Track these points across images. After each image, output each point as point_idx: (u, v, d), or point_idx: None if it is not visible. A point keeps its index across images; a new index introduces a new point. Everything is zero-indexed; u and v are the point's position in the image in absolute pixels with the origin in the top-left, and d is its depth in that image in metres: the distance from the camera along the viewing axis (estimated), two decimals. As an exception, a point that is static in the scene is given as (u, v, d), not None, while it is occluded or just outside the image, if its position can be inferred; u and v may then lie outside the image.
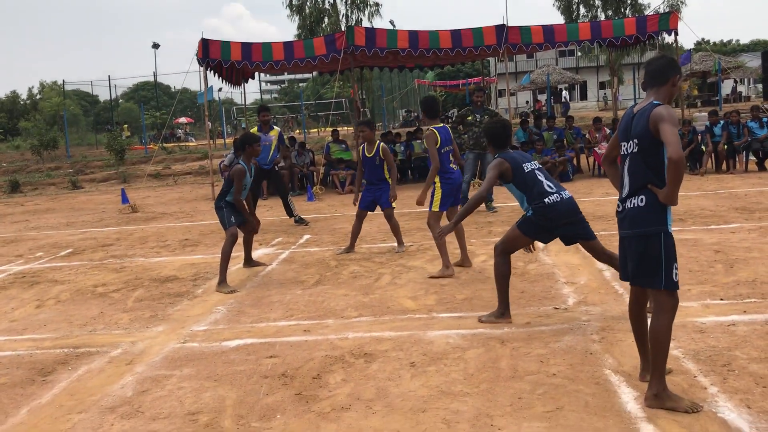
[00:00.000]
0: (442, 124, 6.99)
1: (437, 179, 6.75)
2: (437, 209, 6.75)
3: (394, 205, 7.87)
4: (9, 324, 5.97)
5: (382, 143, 7.88)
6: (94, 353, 4.98)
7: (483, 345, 4.57)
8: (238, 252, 7.62)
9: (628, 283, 3.72)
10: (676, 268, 3.51)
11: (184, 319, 5.73)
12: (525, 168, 4.95)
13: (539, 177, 4.94)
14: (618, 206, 3.66)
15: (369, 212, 8.12)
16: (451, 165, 6.89)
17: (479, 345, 4.58)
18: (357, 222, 8.09)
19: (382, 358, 4.47)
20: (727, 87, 41.53)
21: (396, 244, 8.06)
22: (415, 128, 20.07)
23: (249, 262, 7.60)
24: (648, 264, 3.50)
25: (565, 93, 43.32)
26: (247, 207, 7.08)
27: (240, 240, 7.27)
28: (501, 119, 5.41)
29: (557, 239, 5.03)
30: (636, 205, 3.51)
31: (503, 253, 5.06)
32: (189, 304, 6.22)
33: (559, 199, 4.83)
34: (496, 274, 5.07)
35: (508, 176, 4.98)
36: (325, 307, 5.82)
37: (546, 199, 4.82)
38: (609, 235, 6.96)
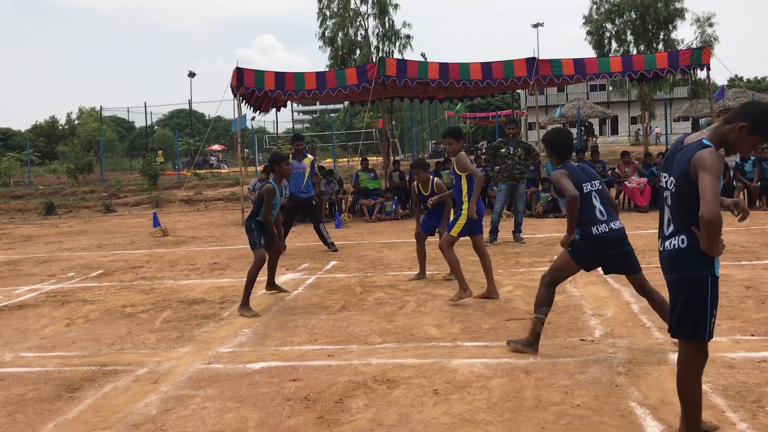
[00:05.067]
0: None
1: (464, 207, 6.68)
2: (455, 235, 6.68)
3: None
4: (39, 341, 6.08)
5: (436, 178, 7.86)
6: (120, 371, 5.05)
7: (507, 374, 4.54)
8: (262, 276, 7.69)
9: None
10: (715, 317, 3.21)
11: (209, 341, 5.78)
12: (583, 188, 4.69)
13: (593, 201, 4.69)
14: (659, 245, 3.35)
15: (429, 236, 8.05)
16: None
17: (503, 374, 4.54)
18: (419, 245, 8.03)
19: (405, 384, 4.45)
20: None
21: (448, 271, 7.88)
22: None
23: (272, 285, 7.58)
24: (691, 313, 3.16)
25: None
26: (275, 229, 7.11)
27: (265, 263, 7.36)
28: (563, 129, 5.18)
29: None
30: (677, 247, 3.19)
31: (550, 283, 4.92)
32: (215, 326, 6.28)
33: (607, 230, 4.63)
34: (538, 304, 4.95)
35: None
36: (350, 332, 5.82)
37: (593, 228, 4.63)
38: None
